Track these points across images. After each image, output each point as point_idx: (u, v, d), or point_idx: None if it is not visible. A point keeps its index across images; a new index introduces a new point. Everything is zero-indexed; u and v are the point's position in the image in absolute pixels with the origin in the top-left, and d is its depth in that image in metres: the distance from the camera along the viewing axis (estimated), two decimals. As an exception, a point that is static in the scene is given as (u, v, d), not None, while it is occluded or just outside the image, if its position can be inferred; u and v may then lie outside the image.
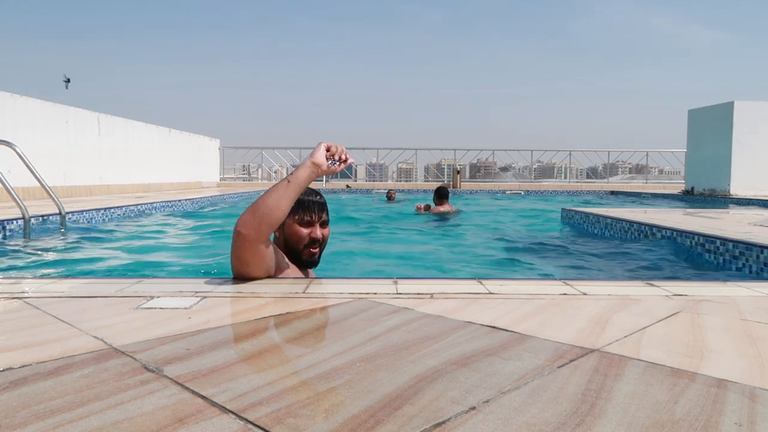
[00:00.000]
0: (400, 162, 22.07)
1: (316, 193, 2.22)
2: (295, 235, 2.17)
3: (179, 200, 8.51)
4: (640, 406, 1.01)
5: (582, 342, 1.39)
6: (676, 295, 1.96)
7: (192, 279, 2.21)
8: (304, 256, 2.20)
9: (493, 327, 1.51)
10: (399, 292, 1.93)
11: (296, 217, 2.15)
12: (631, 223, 4.73)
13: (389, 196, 11.41)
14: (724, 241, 3.48)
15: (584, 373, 1.17)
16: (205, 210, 8.46)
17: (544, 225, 6.83)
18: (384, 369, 1.17)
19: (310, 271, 2.33)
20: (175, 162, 14.14)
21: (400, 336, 1.42)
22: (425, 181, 21.77)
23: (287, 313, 1.64)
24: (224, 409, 0.97)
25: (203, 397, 1.02)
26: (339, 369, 1.17)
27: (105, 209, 6.24)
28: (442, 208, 7.43)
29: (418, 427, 0.91)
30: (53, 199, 5.14)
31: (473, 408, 0.99)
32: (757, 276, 3.07)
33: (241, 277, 2.03)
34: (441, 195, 7.49)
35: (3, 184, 4.63)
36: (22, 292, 1.90)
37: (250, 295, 1.88)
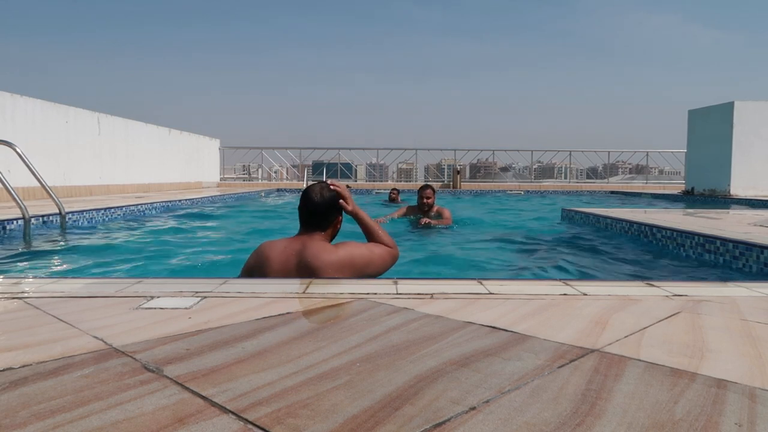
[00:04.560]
0: (400, 162, 22.07)
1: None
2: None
3: (179, 200, 8.50)
4: (640, 407, 1.01)
5: (582, 342, 1.39)
6: (676, 295, 1.96)
7: (192, 279, 2.21)
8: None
9: (493, 327, 1.51)
10: (399, 292, 1.93)
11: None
12: (631, 223, 4.73)
13: (392, 198, 10.31)
14: (724, 241, 3.49)
15: (584, 374, 1.17)
16: (206, 210, 8.46)
17: (544, 225, 6.83)
18: (384, 369, 1.17)
19: None
20: (175, 162, 14.14)
21: (400, 336, 1.42)
22: (425, 181, 21.76)
23: (287, 313, 1.64)
24: (224, 409, 0.97)
25: (203, 397, 1.02)
26: (339, 369, 1.17)
27: (105, 209, 6.24)
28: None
29: (418, 427, 0.91)
30: (53, 199, 5.14)
31: (473, 408, 0.99)
32: (757, 276, 3.07)
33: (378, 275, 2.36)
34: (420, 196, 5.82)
35: (3, 184, 4.63)
36: (22, 292, 1.90)
37: (250, 295, 1.88)
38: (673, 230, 4.08)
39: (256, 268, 2.30)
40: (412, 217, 6.01)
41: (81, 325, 1.49)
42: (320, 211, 2.32)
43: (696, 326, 1.56)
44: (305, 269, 2.22)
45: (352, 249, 2.33)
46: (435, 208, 5.94)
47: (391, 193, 10.71)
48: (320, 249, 2.27)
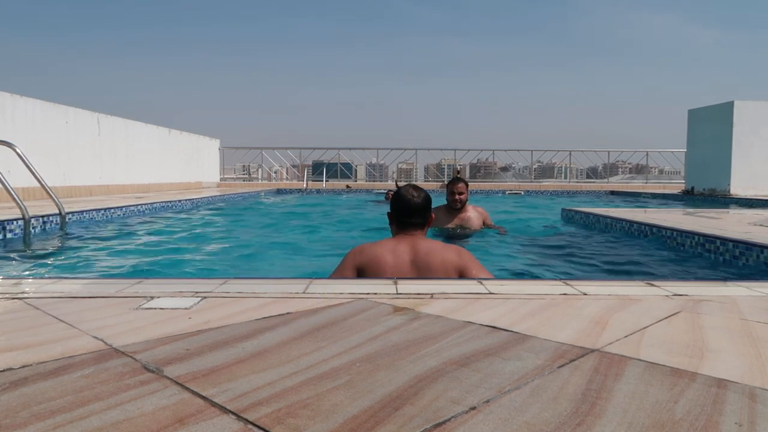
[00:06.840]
0: (400, 162, 22.06)
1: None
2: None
3: (179, 200, 8.50)
4: (640, 406, 1.01)
5: (582, 342, 1.39)
6: (676, 295, 1.96)
7: (192, 279, 2.21)
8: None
9: (494, 327, 1.51)
10: (399, 292, 1.93)
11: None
12: (631, 223, 4.73)
13: (388, 197, 10.60)
14: (724, 240, 3.49)
15: (584, 373, 1.17)
16: (206, 210, 8.46)
17: (544, 225, 6.83)
18: (384, 369, 1.17)
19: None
20: (175, 162, 14.13)
21: (400, 336, 1.42)
22: (425, 181, 21.76)
23: (287, 313, 1.64)
24: (224, 410, 0.97)
25: (203, 398, 1.02)
26: (339, 369, 1.17)
27: (105, 209, 6.24)
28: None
29: (418, 427, 0.91)
30: (53, 199, 5.14)
31: (473, 408, 0.99)
32: (757, 276, 3.07)
33: None
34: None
35: (3, 184, 4.63)
36: (23, 293, 1.90)
37: (250, 295, 1.88)
38: (673, 230, 4.08)
39: (367, 270, 2.32)
40: (438, 227, 4.74)
41: (81, 326, 1.49)
42: (420, 210, 2.47)
43: (696, 326, 1.56)
44: (423, 267, 2.31)
45: (469, 254, 2.43)
46: (468, 210, 4.83)
47: (387, 193, 11.02)
48: (435, 247, 2.39)
